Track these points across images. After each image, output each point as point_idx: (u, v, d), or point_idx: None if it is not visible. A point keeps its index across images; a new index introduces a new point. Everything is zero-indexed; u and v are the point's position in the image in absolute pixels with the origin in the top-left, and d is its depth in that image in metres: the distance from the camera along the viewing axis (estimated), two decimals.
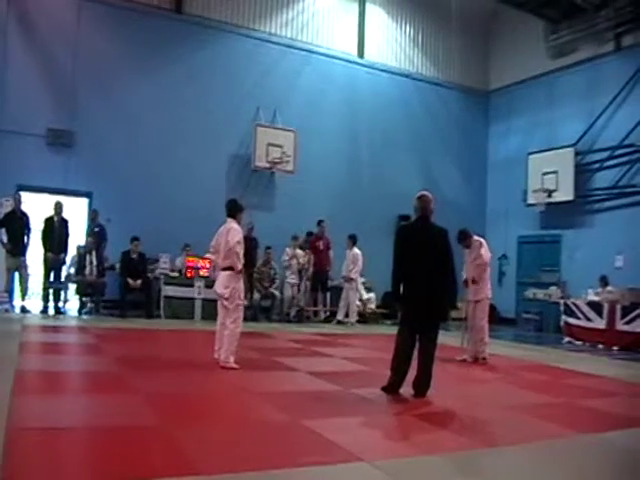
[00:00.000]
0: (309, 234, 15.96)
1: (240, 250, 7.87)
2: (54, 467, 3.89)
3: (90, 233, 13.72)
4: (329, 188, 17.45)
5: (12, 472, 3.66)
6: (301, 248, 15.66)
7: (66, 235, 13.10)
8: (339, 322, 15.12)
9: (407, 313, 6.85)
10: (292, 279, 15.19)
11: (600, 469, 4.67)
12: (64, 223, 13.12)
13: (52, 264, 12.92)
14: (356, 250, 15.19)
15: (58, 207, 13.06)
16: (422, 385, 6.69)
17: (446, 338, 12.90)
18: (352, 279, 15.18)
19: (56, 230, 12.92)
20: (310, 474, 4.02)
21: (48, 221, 12.96)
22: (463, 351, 9.98)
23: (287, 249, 15.29)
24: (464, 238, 9.88)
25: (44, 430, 4.59)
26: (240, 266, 7.95)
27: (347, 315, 15.27)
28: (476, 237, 10.03)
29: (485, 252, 9.87)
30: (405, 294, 6.77)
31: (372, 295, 16.47)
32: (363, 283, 16.28)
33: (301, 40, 17.86)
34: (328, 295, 16.06)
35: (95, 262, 13.35)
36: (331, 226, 15.66)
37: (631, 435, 5.61)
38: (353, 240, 15.27)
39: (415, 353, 6.76)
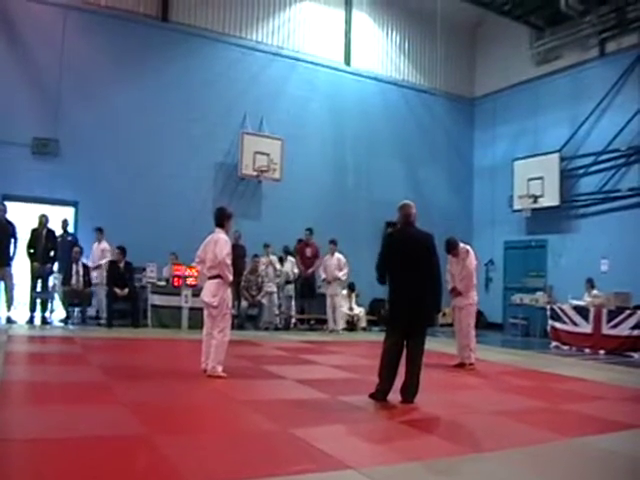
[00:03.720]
0: (299, 241, 15.97)
1: (230, 261, 7.85)
2: (39, 478, 3.85)
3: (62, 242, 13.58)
4: (316, 196, 17.48)
5: None
6: (290, 254, 15.68)
7: (52, 246, 13.02)
8: (332, 331, 15.04)
9: (394, 319, 6.86)
10: (269, 287, 15.09)
11: (587, 473, 4.68)
12: (50, 234, 13.06)
13: (38, 274, 12.84)
14: (339, 255, 15.15)
15: (43, 219, 13.01)
16: (410, 391, 6.68)
17: (433, 344, 12.93)
18: (339, 279, 15.10)
19: (42, 241, 12.85)
20: None
21: (34, 232, 12.90)
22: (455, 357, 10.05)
23: (262, 258, 15.17)
24: (452, 247, 9.88)
25: (29, 441, 4.55)
26: (231, 277, 7.93)
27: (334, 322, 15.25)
28: (462, 244, 10.05)
29: (470, 262, 9.87)
30: (392, 300, 6.80)
31: (362, 309, 16.42)
32: (357, 296, 16.30)
33: (288, 48, 17.92)
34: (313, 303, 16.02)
35: (81, 272, 13.29)
36: (318, 233, 15.65)
37: (618, 439, 5.62)
38: (335, 244, 15.24)
39: (402, 359, 6.76)
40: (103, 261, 13.88)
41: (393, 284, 6.81)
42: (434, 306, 6.97)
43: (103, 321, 13.28)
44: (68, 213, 14.66)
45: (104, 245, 14.08)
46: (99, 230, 14.09)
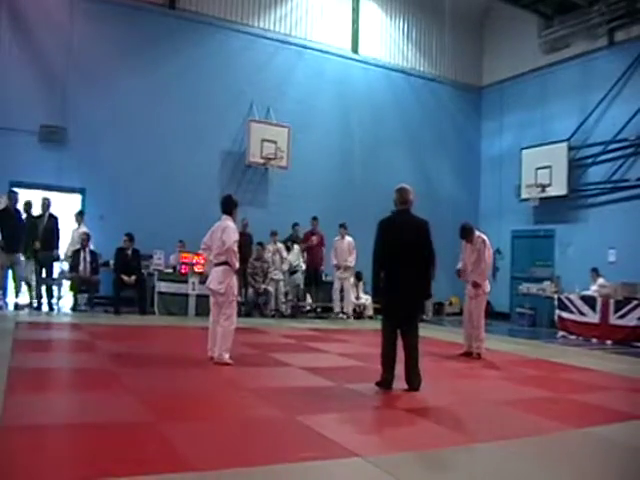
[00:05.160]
0: (295, 225, 15.92)
1: (237, 249, 7.87)
2: (46, 464, 3.88)
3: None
4: (322, 184, 17.45)
5: (4, 469, 3.67)
6: (295, 242, 15.67)
7: (55, 231, 13.02)
8: (341, 314, 15.08)
9: (387, 307, 6.90)
10: (275, 275, 15.07)
11: (592, 463, 4.69)
12: (53, 219, 13.05)
13: (42, 260, 12.86)
14: (350, 238, 15.17)
15: (46, 203, 13.00)
16: (413, 378, 6.70)
17: (440, 333, 12.95)
18: (350, 267, 15.15)
19: (44, 226, 12.86)
20: (305, 469, 4.03)
21: (37, 218, 12.92)
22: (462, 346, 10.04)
23: (268, 246, 15.15)
24: (468, 234, 9.77)
25: (37, 427, 4.58)
26: (238, 264, 7.95)
27: (342, 308, 15.28)
28: (478, 233, 9.91)
29: (488, 257, 9.77)
30: (385, 287, 6.81)
31: (368, 298, 16.39)
32: (364, 284, 16.25)
33: (295, 36, 17.84)
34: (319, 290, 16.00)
35: (89, 258, 13.33)
36: (324, 222, 15.62)
37: (625, 429, 5.63)
38: (345, 228, 15.24)
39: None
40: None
41: (386, 272, 6.81)
42: (425, 295, 6.97)
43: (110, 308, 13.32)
44: (75, 200, 14.72)
45: (83, 229, 13.85)
46: (79, 214, 13.96)
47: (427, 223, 6.89)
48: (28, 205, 13.25)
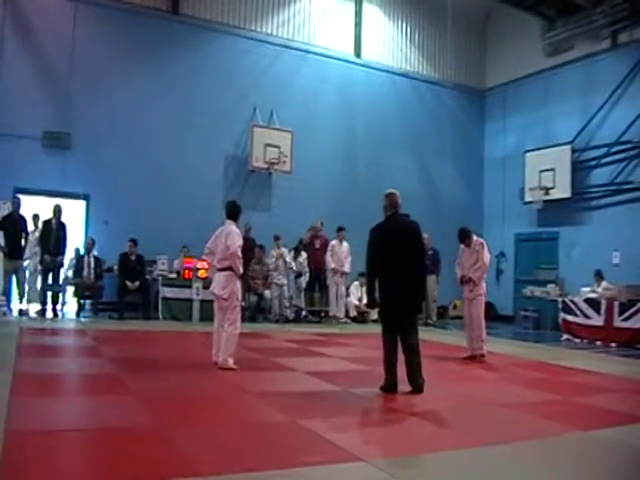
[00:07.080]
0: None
1: (241, 254, 7.86)
2: (52, 469, 3.88)
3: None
4: (326, 188, 17.45)
5: (10, 474, 3.67)
6: (298, 249, 15.62)
7: (64, 238, 13.07)
8: (336, 317, 15.05)
9: (384, 311, 6.94)
10: (279, 279, 15.02)
11: (599, 466, 4.67)
12: (62, 226, 13.10)
13: (49, 266, 12.90)
14: (346, 244, 15.12)
15: (57, 210, 13.04)
16: (416, 380, 6.70)
17: (445, 336, 12.93)
18: (346, 273, 15.15)
19: (54, 233, 12.90)
20: (309, 474, 4.02)
21: (46, 223, 12.95)
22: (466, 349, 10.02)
23: (272, 251, 15.12)
24: (466, 237, 9.87)
25: (42, 432, 4.59)
26: (242, 270, 7.94)
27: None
28: (476, 238, 10.01)
29: (486, 257, 9.83)
30: (383, 292, 6.83)
31: None
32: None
33: (298, 40, 17.85)
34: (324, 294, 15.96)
35: (93, 264, 13.36)
36: (328, 225, 15.60)
37: (630, 432, 5.60)
38: (344, 231, 15.18)
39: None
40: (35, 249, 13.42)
41: (384, 276, 6.83)
42: (420, 297, 7.01)
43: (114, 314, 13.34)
44: (79, 206, 14.73)
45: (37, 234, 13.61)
46: (35, 217, 13.62)
47: (417, 224, 6.97)
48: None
